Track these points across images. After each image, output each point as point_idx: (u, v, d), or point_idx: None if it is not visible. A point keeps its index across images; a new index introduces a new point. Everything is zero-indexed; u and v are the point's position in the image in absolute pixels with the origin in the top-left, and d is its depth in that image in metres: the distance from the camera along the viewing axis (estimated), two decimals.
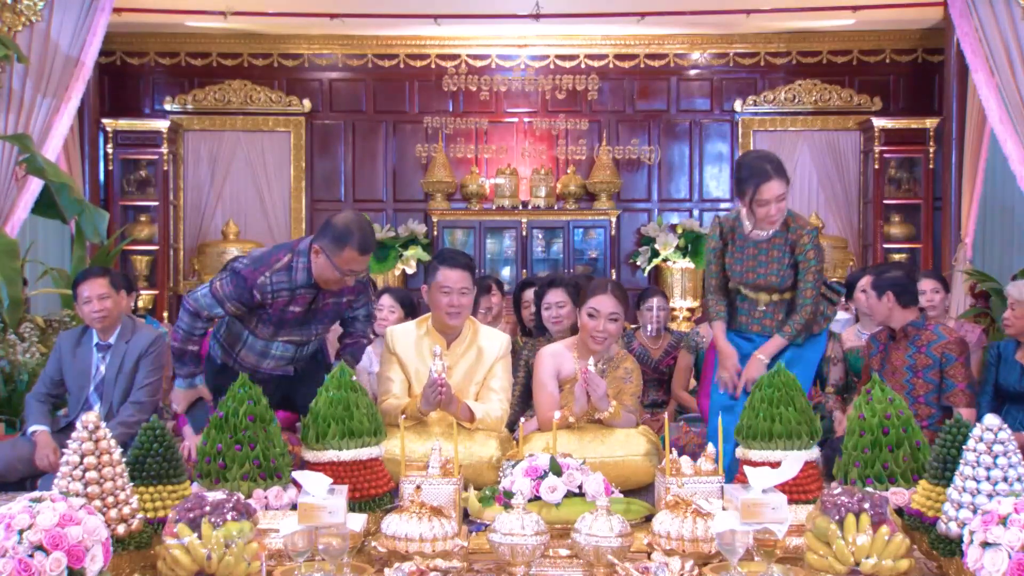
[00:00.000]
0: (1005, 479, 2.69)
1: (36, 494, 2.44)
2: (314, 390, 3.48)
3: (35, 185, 6.19)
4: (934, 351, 4.45)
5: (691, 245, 9.18)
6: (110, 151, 9.10)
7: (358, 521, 2.96)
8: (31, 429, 4.53)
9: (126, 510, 2.77)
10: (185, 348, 4.01)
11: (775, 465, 2.88)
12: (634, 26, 9.05)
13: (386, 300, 5.62)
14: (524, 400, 4.49)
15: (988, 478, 2.70)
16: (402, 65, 9.68)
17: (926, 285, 5.37)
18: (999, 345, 4.85)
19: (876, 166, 9.03)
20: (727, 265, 4.23)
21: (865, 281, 5.06)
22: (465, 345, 4.17)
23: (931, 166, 8.98)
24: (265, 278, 3.84)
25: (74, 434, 2.80)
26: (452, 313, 4.09)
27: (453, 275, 4.09)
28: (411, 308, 5.51)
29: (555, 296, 4.83)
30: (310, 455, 3.33)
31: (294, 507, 2.90)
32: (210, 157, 9.60)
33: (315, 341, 4.19)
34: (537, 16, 8.61)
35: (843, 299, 5.60)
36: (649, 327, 5.56)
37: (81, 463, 2.75)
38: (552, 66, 9.61)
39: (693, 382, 5.48)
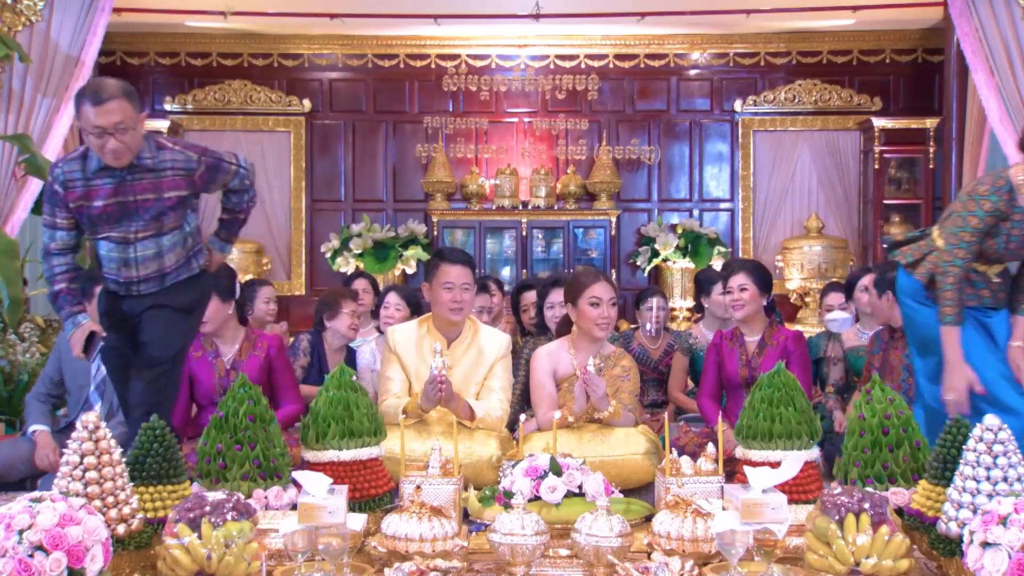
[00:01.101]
0: (1005, 479, 2.69)
1: (36, 494, 2.44)
2: (159, 333, 3.74)
3: (35, 185, 6.19)
4: None
5: (691, 245, 9.18)
6: None
7: (358, 521, 2.96)
8: (31, 429, 4.54)
9: (126, 510, 2.77)
10: (52, 291, 3.74)
11: (775, 465, 2.88)
12: (634, 26, 9.05)
13: (392, 298, 5.64)
14: (524, 400, 4.49)
15: (988, 478, 2.70)
16: (402, 65, 9.68)
17: None
18: None
19: (876, 166, 9.04)
20: (995, 244, 3.67)
21: (867, 279, 5.05)
22: (466, 345, 4.17)
23: (931, 166, 8.99)
24: (59, 167, 3.66)
25: (74, 434, 2.80)
26: (455, 309, 4.09)
27: (455, 271, 4.09)
28: (417, 306, 5.52)
29: (558, 296, 4.82)
30: (310, 455, 3.33)
31: (294, 507, 2.91)
32: None
33: (146, 243, 3.70)
34: (537, 16, 8.61)
35: (843, 299, 5.62)
36: (649, 326, 5.56)
37: (81, 463, 2.75)
38: (552, 66, 9.62)
39: (691, 384, 5.47)
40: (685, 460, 3.28)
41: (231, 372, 4.44)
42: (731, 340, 4.66)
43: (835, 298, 5.59)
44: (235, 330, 4.61)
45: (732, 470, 3.46)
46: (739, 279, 4.63)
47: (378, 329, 5.71)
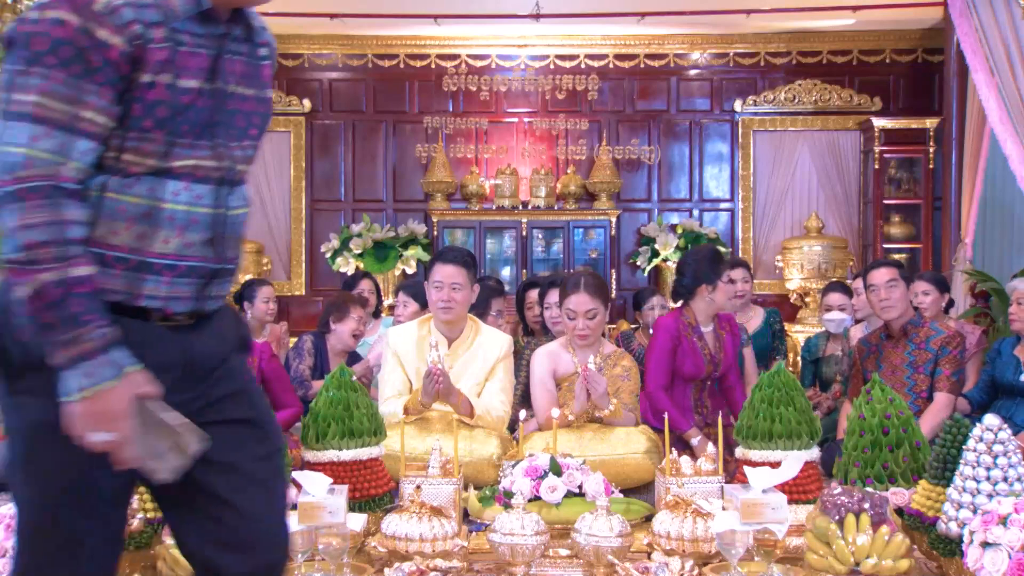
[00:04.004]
0: (1005, 479, 2.69)
1: None
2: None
3: None
4: (933, 345, 4.48)
5: (691, 245, 9.17)
6: None
7: (358, 521, 2.96)
8: None
9: None
10: (60, 278, 1.63)
11: (775, 465, 2.89)
12: (634, 26, 9.05)
13: (400, 296, 5.70)
14: (525, 400, 4.49)
15: (988, 478, 2.70)
16: (402, 65, 9.68)
17: (917, 287, 5.40)
18: (1000, 342, 4.92)
19: (876, 166, 9.03)
20: None
21: (886, 272, 4.88)
22: (466, 345, 4.17)
23: (931, 166, 8.98)
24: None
25: None
26: (444, 308, 4.10)
27: (445, 270, 4.10)
28: (426, 302, 5.55)
29: (557, 296, 4.83)
30: (310, 455, 3.33)
31: (294, 507, 2.91)
32: None
33: (241, 192, 1.91)
34: (537, 16, 8.61)
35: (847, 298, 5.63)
36: None
37: None
38: (552, 66, 9.61)
39: None
40: (685, 460, 3.29)
41: None
42: (689, 330, 4.45)
43: (835, 298, 5.60)
44: None
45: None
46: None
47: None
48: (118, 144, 1.72)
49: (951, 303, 5.78)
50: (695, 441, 4.12)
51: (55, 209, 1.63)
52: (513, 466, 3.40)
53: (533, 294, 5.42)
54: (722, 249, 9.06)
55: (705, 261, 4.48)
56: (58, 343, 1.63)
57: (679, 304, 4.53)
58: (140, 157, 1.73)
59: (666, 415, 3.54)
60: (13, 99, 1.64)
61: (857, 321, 5.67)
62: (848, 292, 5.66)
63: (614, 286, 9.13)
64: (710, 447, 3.36)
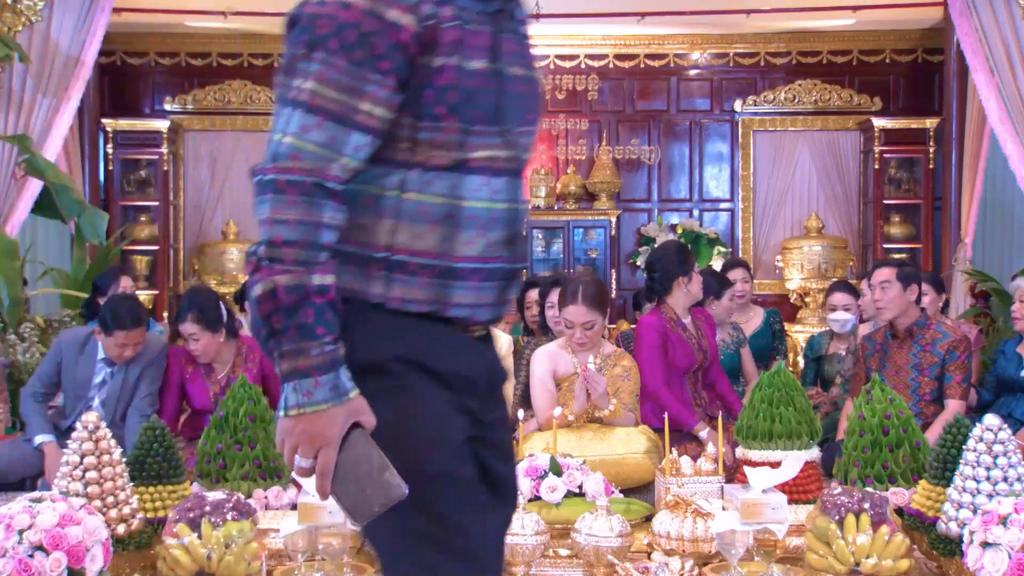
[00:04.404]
0: (1005, 479, 2.69)
1: (36, 494, 2.45)
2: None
3: (35, 185, 6.20)
4: (939, 348, 4.47)
5: (691, 245, 9.17)
6: (110, 151, 9.10)
7: None
8: (38, 440, 4.41)
9: (126, 510, 2.77)
10: (300, 283, 1.49)
11: (775, 465, 2.89)
12: (634, 26, 9.05)
13: None
14: (525, 400, 4.49)
15: (988, 478, 2.70)
16: None
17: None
18: (1004, 343, 4.94)
19: (876, 166, 9.03)
20: None
21: (886, 272, 4.95)
22: None
23: (931, 166, 8.98)
24: None
25: (74, 434, 2.80)
26: None
27: None
28: None
29: (557, 296, 4.83)
30: None
31: (294, 507, 2.91)
32: (210, 157, 9.59)
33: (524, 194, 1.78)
34: (537, 16, 8.61)
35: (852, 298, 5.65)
36: None
37: (81, 463, 2.75)
38: (552, 66, 9.61)
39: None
40: (685, 460, 3.29)
41: (226, 389, 4.40)
42: (672, 324, 4.49)
43: (840, 298, 5.60)
44: (227, 351, 4.55)
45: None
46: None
47: None
48: (410, 135, 1.59)
49: (946, 303, 5.79)
50: (703, 434, 4.12)
51: (312, 208, 1.50)
52: None
53: (533, 294, 5.42)
54: (722, 249, 9.12)
55: (674, 255, 4.58)
56: (281, 352, 1.50)
57: (655, 303, 4.57)
58: (437, 150, 1.59)
59: (666, 414, 3.55)
60: (292, 85, 1.56)
61: (863, 320, 5.68)
62: (852, 291, 5.67)
63: (614, 286, 9.13)
64: (710, 447, 3.36)
